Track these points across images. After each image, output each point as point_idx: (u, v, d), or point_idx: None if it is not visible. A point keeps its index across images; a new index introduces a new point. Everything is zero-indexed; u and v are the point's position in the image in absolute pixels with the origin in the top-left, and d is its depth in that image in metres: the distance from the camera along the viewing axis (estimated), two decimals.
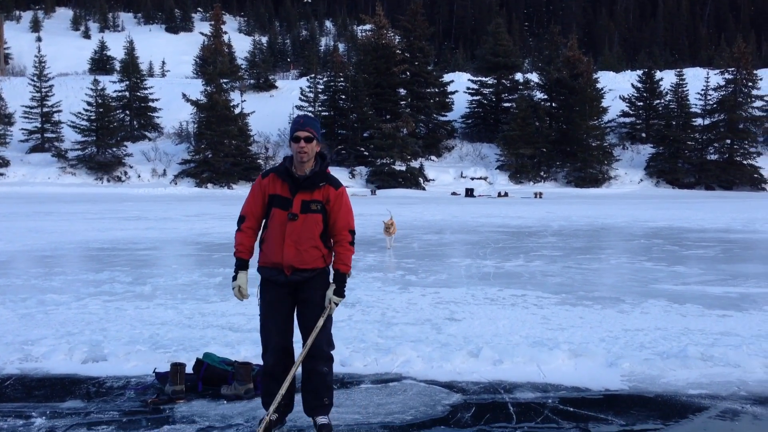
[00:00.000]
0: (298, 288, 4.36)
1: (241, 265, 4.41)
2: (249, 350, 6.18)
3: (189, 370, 5.44)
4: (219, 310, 7.96)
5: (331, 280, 4.43)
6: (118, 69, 59.23)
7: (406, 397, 5.11)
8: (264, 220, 4.41)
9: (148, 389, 5.31)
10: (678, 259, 12.71)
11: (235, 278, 4.43)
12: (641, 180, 49.40)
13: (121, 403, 5.04)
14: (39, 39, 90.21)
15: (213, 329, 7.05)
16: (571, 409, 4.90)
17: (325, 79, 52.09)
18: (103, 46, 77.62)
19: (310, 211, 4.26)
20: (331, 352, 4.48)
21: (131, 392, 5.26)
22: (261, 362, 5.74)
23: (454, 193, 40.78)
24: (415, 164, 47.03)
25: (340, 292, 4.39)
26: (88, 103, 45.90)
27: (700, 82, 53.00)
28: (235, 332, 6.94)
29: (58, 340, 6.51)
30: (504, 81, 55.87)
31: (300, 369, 4.46)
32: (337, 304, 4.40)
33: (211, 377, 5.35)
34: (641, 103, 55.05)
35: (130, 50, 53.15)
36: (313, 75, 52.83)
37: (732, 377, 5.54)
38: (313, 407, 4.44)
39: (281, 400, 4.36)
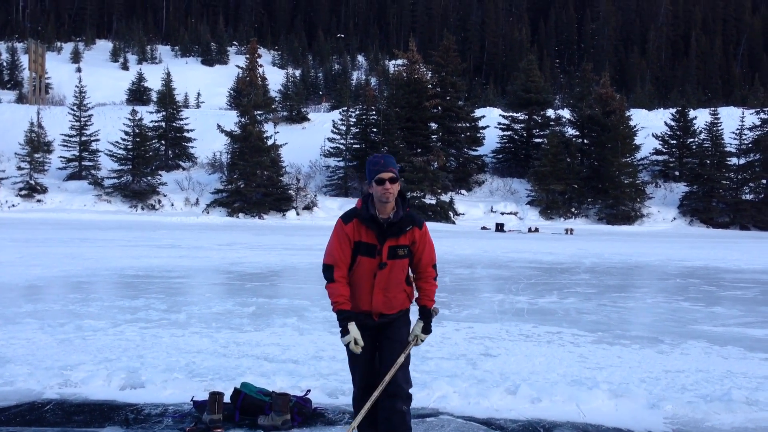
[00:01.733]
0: (381, 327, 4.40)
1: (347, 316, 4.24)
2: (285, 381, 6.18)
3: (226, 399, 5.46)
4: (254, 340, 7.98)
5: (417, 317, 4.46)
6: (155, 100, 60.37)
7: None
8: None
9: (186, 417, 5.33)
10: (716, 299, 12.48)
11: (344, 332, 4.23)
12: (674, 218, 48.76)
13: (159, 430, 5.06)
14: (79, 70, 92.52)
15: (248, 359, 7.07)
16: None
17: (357, 112, 52.61)
18: (140, 78, 79.29)
19: (398, 257, 4.24)
20: (410, 390, 4.42)
21: (169, 420, 5.28)
22: (298, 393, 5.77)
23: (484, 228, 40.62)
24: (445, 198, 47.04)
25: (427, 329, 4.45)
26: (126, 133, 46.80)
27: (734, 122, 52.48)
28: (271, 362, 6.96)
29: (97, 365, 6.59)
30: (535, 117, 55.89)
31: (378, 408, 4.38)
32: (422, 341, 4.46)
33: (249, 407, 5.36)
34: (674, 141, 54.60)
35: (167, 82, 54.24)
36: (345, 108, 53.38)
37: None
38: None
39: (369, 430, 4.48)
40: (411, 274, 4.47)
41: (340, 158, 51.08)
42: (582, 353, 7.62)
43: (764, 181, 49.23)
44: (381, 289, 4.25)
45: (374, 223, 4.19)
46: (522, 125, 56.49)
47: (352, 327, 4.21)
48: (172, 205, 45.85)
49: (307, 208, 46.03)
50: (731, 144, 51.11)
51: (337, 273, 4.23)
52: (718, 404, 5.70)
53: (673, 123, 54.66)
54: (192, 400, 5.50)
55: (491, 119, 56.53)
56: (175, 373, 6.37)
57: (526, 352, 7.60)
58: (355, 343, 4.21)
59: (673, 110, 58.12)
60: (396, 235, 4.20)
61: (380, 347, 4.40)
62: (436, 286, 4.45)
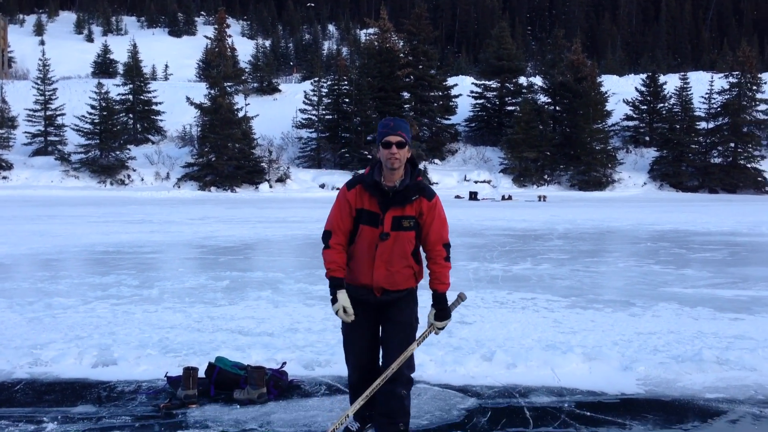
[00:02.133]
0: (383, 306, 4.09)
1: (338, 284, 4.01)
2: (260, 354, 6.14)
3: (201, 374, 5.40)
4: (228, 314, 7.91)
5: (430, 303, 4.11)
6: (122, 72, 59.27)
7: (420, 402, 5.06)
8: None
9: (160, 394, 5.27)
10: (686, 262, 12.65)
11: (334, 300, 4.01)
12: (645, 183, 49.30)
13: (133, 407, 5.00)
14: (42, 42, 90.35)
15: (223, 333, 7.01)
16: (588, 413, 4.85)
17: (328, 82, 52.14)
18: (106, 50, 77.70)
19: (402, 229, 3.93)
20: (411, 375, 4.20)
21: (143, 397, 5.22)
22: (274, 366, 5.73)
23: (458, 197, 40.74)
24: (419, 167, 47.04)
25: (442, 315, 4.10)
26: (92, 107, 45.92)
27: (703, 86, 52.96)
28: (246, 336, 6.90)
29: (68, 344, 6.48)
30: (508, 85, 55.87)
31: (377, 390, 4.16)
32: (441, 329, 4.13)
33: (224, 381, 5.31)
34: (645, 107, 55.00)
35: (134, 54, 53.20)
36: (316, 79, 52.86)
37: (748, 381, 5.48)
38: None
39: (365, 411, 4.29)
40: (421, 252, 4.15)
41: (313, 129, 50.71)
42: (556, 318, 7.68)
43: (732, 145, 49.88)
44: (383, 262, 3.95)
45: (378, 191, 3.91)
46: (494, 93, 56.45)
47: (341, 294, 3.97)
48: (142, 179, 45.26)
49: (280, 180, 45.73)
50: (700, 108, 51.64)
51: (333, 239, 4.01)
52: (690, 364, 5.77)
53: (643, 88, 55.02)
54: (166, 376, 5.43)
55: (464, 88, 56.40)
56: (148, 350, 6.29)
57: (501, 319, 7.63)
58: (345, 311, 3.98)
59: (643, 76, 58.48)
60: (401, 204, 3.89)
61: (383, 329, 4.13)
62: (449, 267, 4.06)
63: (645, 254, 13.82)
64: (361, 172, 4.18)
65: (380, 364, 4.21)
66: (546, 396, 5.21)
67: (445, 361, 5.96)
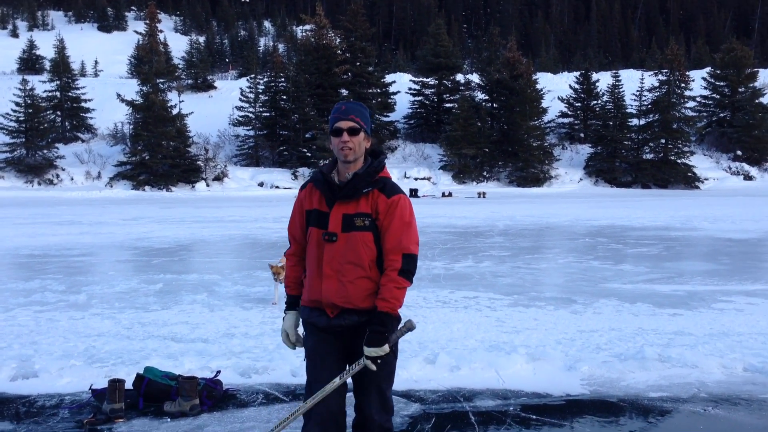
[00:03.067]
0: (347, 335, 3.27)
1: (289, 303, 3.45)
2: (194, 362, 5.84)
3: (129, 386, 5.08)
4: (160, 319, 7.56)
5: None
6: (48, 69, 57.10)
7: None
8: None
9: (84, 408, 4.93)
10: (623, 257, 12.82)
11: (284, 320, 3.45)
12: (581, 179, 50.32)
13: (54, 423, 4.66)
14: None
15: (154, 340, 6.68)
16: (534, 416, 4.75)
17: (265, 79, 51.39)
18: (32, 45, 74.86)
19: (355, 228, 3.20)
20: (391, 419, 3.40)
21: (65, 412, 4.88)
22: (208, 375, 5.43)
23: None
24: None
25: (374, 340, 3.14)
26: (17, 104, 44.07)
27: (634, 84, 54.32)
28: (178, 342, 6.58)
29: None
30: (445, 82, 56.17)
31: None
32: (374, 360, 3.16)
33: (154, 393, 5.01)
34: (579, 104, 56.15)
35: (61, 49, 51.32)
36: (253, 75, 52.05)
37: (691, 378, 5.48)
38: None
39: None
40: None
41: (250, 127, 49.92)
42: (499, 317, 7.60)
43: (663, 141, 51.33)
44: (332, 271, 3.20)
45: (326, 185, 3.29)
46: (432, 90, 56.69)
47: (289, 317, 3.42)
48: (72, 179, 43.68)
49: (218, 178, 44.85)
50: (632, 106, 52.96)
51: (289, 249, 3.49)
52: (632, 363, 5.75)
53: (577, 86, 56.11)
54: (90, 388, 5.09)
55: (402, 85, 56.48)
56: (72, 360, 5.92)
57: (443, 319, 7.50)
58: (287, 337, 3.42)
59: (577, 73, 59.64)
60: (348, 197, 3.21)
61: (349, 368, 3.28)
62: (403, 283, 3.18)
63: (584, 250, 13.96)
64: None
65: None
66: (491, 399, 5.09)
67: None
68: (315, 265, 3.26)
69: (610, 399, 5.07)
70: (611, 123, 52.19)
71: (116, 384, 4.83)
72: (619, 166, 50.56)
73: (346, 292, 3.20)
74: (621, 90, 52.62)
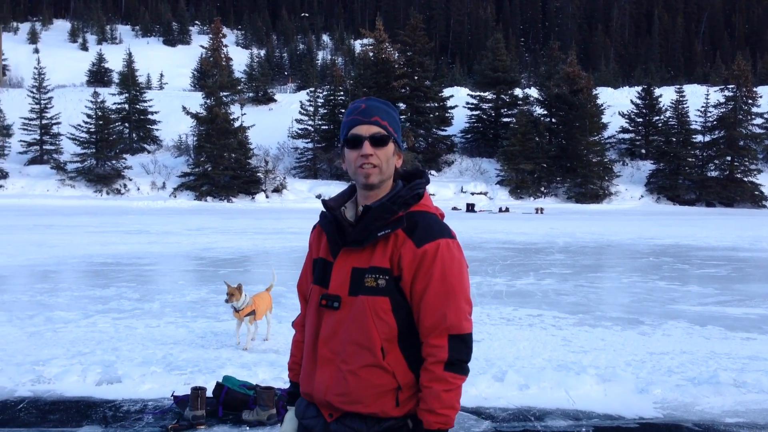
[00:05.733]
0: None
1: (291, 394, 2.46)
2: (267, 372, 6.01)
3: (209, 393, 5.28)
4: (232, 329, 7.77)
5: None
6: (116, 81, 59.12)
7: None
8: None
9: (167, 414, 5.14)
10: (690, 278, 12.58)
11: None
12: (642, 196, 49.37)
13: (140, 428, 4.87)
14: (37, 51, 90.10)
15: (227, 350, 6.89)
16: None
17: (324, 92, 52.13)
18: (101, 59, 77.62)
19: (364, 291, 2.17)
20: None
21: (149, 417, 5.09)
22: (282, 386, 5.59)
23: (455, 208, 40.66)
24: None
25: None
26: (88, 116, 45.76)
27: (698, 99, 53.15)
28: (251, 353, 6.78)
29: (70, 360, 6.34)
30: (503, 96, 56.00)
31: None
32: None
33: (232, 402, 5.19)
34: (640, 120, 55.18)
35: (129, 62, 53.10)
36: (312, 89, 52.86)
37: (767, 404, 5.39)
38: None
39: None
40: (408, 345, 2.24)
41: (309, 140, 50.64)
42: (565, 336, 7.57)
43: (728, 158, 50.02)
44: (331, 353, 2.20)
45: (333, 223, 2.27)
46: (490, 105, 56.55)
47: (287, 417, 2.41)
48: (138, 189, 45.07)
49: (277, 190, 45.60)
50: (696, 122, 51.78)
51: (297, 318, 2.48)
52: (707, 387, 5.67)
53: (638, 101, 55.19)
54: (172, 395, 5.30)
55: (459, 99, 56.50)
56: (152, 367, 6.15)
57: (509, 337, 7.52)
58: None
59: (638, 88, 58.68)
60: (358, 243, 2.19)
61: None
62: (455, 381, 2.15)
63: (648, 269, 13.74)
64: None
65: None
66: (562, 419, 5.10)
67: None
68: (311, 342, 2.27)
69: (684, 423, 5.03)
70: (674, 139, 51.12)
71: (198, 392, 5.03)
72: (683, 184, 49.44)
73: (346, 386, 2.17)
74: (685, 105, 51.54)
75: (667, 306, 9.58)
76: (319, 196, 44.81)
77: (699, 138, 51.48)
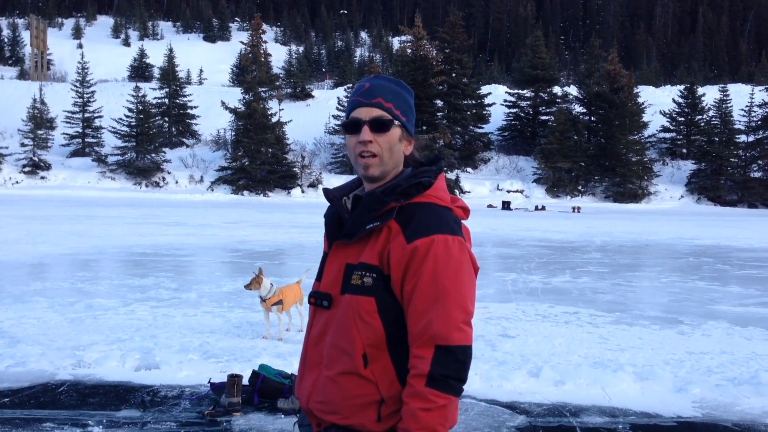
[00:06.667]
0: None
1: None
2: None
3: (245, 381, 5.33)
4: None
5: None
6: (157, 76, 60.00)
7: (468, 417, 4.93)
8: None
9: (204, 400, 5.21)
10: (731, 279, 12.33)
11: None
12: (682, 196, 48.50)
13: (177, 413, 4.94)
14: (80, 46, 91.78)
15: (263, 339, 6.96)
16: None
17: None
18: (142, 54, 78.91)
19: (350, 290, 1.95)
20: None
21: (186, 402, 5.17)
22: None
23: (490, 206, 40.45)
24: (451, 176, 46.81)
25: None
26: (129, 110, 46.54)
27: (742, 99, 52.01)
28: (286, 343, 6.85)
29: (110, 345, 6.47)
30: (542, 94, 55.47)
31: None
32: None
33: (268, 390, 5.23)
34: (682, 119, 54.16)
35: (170, 58, 53.85)
36: (349, 85, 53.02)
37: None
38: None
39: None
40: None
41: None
42: (602, 334, 7.49)
43: None
44: (318, 356, 2.01)
45: (333, 214, 2.09)
46: (528, 102, 56.08)
47: (296, 422, 2.21)
48: (177, 182, 45.71)
49: (312, 185, 45.85)
50: (740, 121, 50.69)
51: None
52: (747, 387, 5.56)
53: (681, 100, 54.20)
54: (209, 382, 5.38)
55: (497, 96, 56.12)
56: (189, 354, 6.25)
57: (545, 333, 7.46)
58: None
59: (680, 87, 57.64)
60: (348, 236, 2.00)
61: None
62: (437, 400, 1.85)
63: (687, 269, 13.50)
64: None
65: None
66: (598, 416, 5.05)
67: (490, 375, 5.82)
68: (304, 343, 2.10)
69: (724, 423, 4.93)
70: (717, 139, 50.11)
71: (235, 379, 5.08)
72: (724, 184, 48.44)
73: (325, 394, 1.97)
74: (729, 105, 50.46)
75: (707, 306, 9.41)
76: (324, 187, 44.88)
77: (742, 138, 50.38)
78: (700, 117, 53.38)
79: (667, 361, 6.37)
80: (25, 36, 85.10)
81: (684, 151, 53.36)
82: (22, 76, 73.54)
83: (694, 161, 50.15)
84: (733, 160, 49.44)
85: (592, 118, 52.66)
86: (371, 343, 1.92)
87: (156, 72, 66.25)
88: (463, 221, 2.07)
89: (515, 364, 6.15)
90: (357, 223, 1.96)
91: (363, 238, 1.96)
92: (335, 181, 46.73)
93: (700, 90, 55.22)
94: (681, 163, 52.05)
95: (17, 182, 43.60)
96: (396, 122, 2.01)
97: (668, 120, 54.29)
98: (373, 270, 1.92)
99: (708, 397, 5.41)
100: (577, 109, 53.56)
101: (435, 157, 2.09)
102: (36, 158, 45.07)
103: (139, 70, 77.11)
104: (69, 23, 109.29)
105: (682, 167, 51.37)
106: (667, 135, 54.40)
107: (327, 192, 2.12)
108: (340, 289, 1.97)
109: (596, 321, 8.21)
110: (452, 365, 1.86)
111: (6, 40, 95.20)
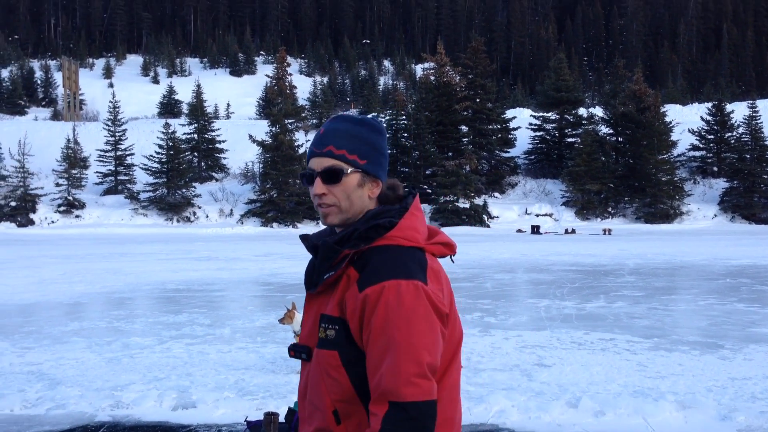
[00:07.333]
0: None
1: None
2: None
3: (281, 419, 5.33)
4: None
5: None
6: (186, 112, 60.99)
7: None
8: None
9: None
10: None
11: None
12: (715, 215, 47.74)
13: None
14: (111, 85, 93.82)
15: (298, 375, 6.95)
16: None
17: (386, 117, 52.54)
18: (171, 90, 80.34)
19: (319, 344, 1.88)
20: None
21: None
22: None
23: (519, 230, 40.18)
24: (478, 201, 46.66)
25: None
26: (159, 146, 47.30)
27: None
28: None
29: (147, 385, 6.52)
30: (567, 116, 55.30)
31: None
32: None
33: None
34: (711, 136, 53.51)
35: (198, 94, 54.76)
36: (374, 114, 53.40)
37: None
38: None
39: None
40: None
41: None
42: (640, 361, 7.36)
43: None
44: (304, 410, 1.96)
45: (311, 263, 2.02)
46: (554, 125, 55.93)
47: None
48: (207, 216, 46.20)
49: None
50: None
51: None
52: None
53: (709, 117, 53.60)
54: (246, 420, 5.34)
55: (522, 120, 56.08)
56: (225, 392, 6.27)
57: (581, 361, 7.36)
58: None
59: (708, 104, 57.03)
60: (315, 284, 1.95)
61: None
62: None
63: (725, 291, 13.25)
64: None
65: None
66: None
67: (528, 407, 5.75)
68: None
69: None
70: (748, 156, 49.39)
71: (271, 417, 5.06)
72: (758, 202, 47.60)
73: None
74: (759, 121, 49.78)
75: (748, 329, 9.21)
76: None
77: None
78: (730, 134, 52.68)
79: (710, 387, 6.24)
80: (58, 77, 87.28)
81: (715, 169, 52.63)
82: (56, 116, 75.28)
83: (726, 179, 49.40)
84: (765, 177, 48.61)
85: (620, 139, 52.29)
86: (340, 398, 1.83)
87: (185, 108, 67.36)
88: (449, 256, 1.99)
89: (553, 394, 6.07)
90: (318, 273, 1.91)
91: (327, 288, 1.89)
92: None
93: (729, 107, 54.58)
94: (713, 181, 51.31)
95: (53, 221, 44.43)
96: (349, 170, 1.90)
97: (697, 138, 53.68)
98: (335, 322, 1.84)
99: (754, 425, 5.29)
100: (604, 130, 53.24)
101: (408, 192, 2.01)
102: (71, 197, 45.91)
103: (169, 107, 78.49)
104: (100, 63, 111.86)
105: (714, 185, 50.63)
106: (697, 153, 53.74)
107: (304, 239, 2.05)
108: (316, 341, 1.89)
109: (634, 347, 8.08)
110: (404, 424, 1.71)
111: (39, 81, 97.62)
